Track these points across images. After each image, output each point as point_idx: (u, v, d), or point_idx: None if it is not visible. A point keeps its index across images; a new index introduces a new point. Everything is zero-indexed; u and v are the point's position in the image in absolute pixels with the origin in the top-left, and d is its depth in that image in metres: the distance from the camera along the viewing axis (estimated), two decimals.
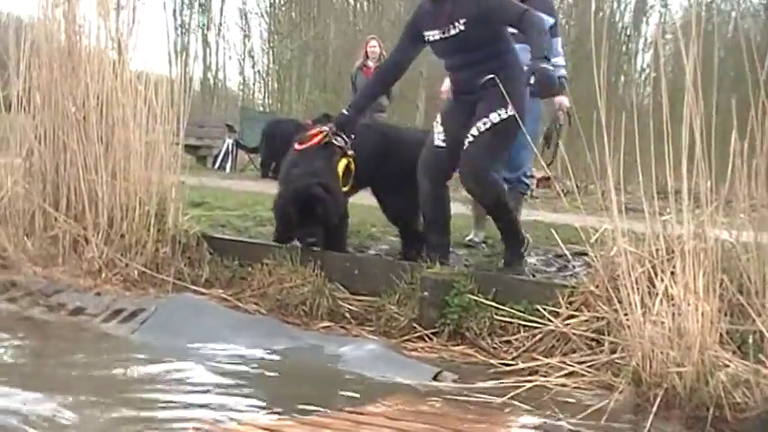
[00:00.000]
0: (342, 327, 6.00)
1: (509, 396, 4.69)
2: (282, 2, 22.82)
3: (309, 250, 6.29)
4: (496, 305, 5.56)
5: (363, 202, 7.71)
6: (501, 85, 5.81)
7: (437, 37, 6.14)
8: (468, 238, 7.06)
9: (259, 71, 22.92)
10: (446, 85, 7.39)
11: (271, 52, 23.07)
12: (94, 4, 7.18)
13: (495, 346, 5.51)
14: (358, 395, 4.67)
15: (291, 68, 21.86)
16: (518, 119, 5.79)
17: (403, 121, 17.25)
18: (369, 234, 6.99)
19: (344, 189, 6.44)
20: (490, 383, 4.92)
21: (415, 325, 5.81)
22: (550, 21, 6.95)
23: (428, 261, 6.03)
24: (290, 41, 22.17)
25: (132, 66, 7.28)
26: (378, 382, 4.93)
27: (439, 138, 6.23)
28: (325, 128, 6.47)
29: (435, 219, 6.33)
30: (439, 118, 6.37)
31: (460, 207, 8.16)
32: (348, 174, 6.47)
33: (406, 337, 5.75)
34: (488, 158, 6.03)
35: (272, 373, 5.07)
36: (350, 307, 6.06)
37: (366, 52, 14.30)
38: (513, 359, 5.29)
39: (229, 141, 17.80)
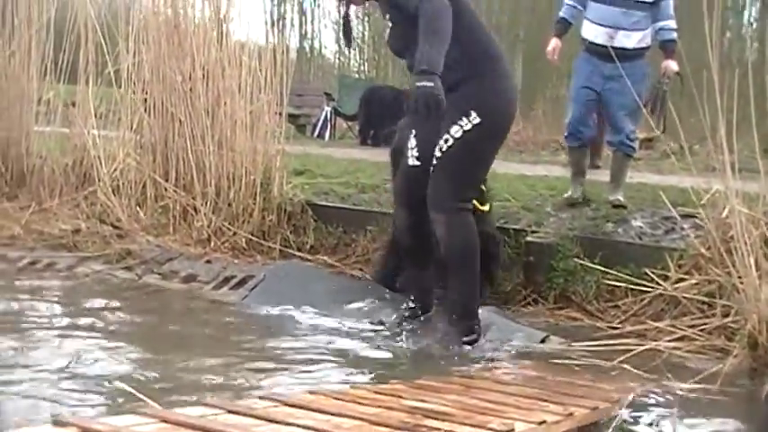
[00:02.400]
0: None
1: (619, 360, 4.64)
2: None
3: None
4: (603, 269, 5.52)
5: None
6: (462, 88, 4.83)
7: (386, 39, 5.36)
8: (566, 195, 6.99)
9: (355, 38, 22.81)
10: (553, 43, 7.29)
11: (366, 19, 22.99)
12: None
13: (602, 310, 5.50)
14: (467, 360, 4.67)
15: (381, 37, 21.77)
16: (490, 125, 4.90)
17: None
18: None
19: None
20: (598, 347, 4.87)
21: (521, 289, 5.82)
22: None
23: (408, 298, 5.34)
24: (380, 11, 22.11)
25: (235, 37, 7.34)
26: (486, 347, 4.91)
27: (413, 155, 5.16)
28: None
29: (414, 250, 5.27)
30: (413, 128, 5.23)
31: (561, 170, 8.10)
32: None
33: (513, 302, 5.75)
34: (455, 186, 4.94)
35: (381, 340, 5.09)
36: None
37: None
38: (620, 323, 5.26)
39: (327, 109, 17.82)
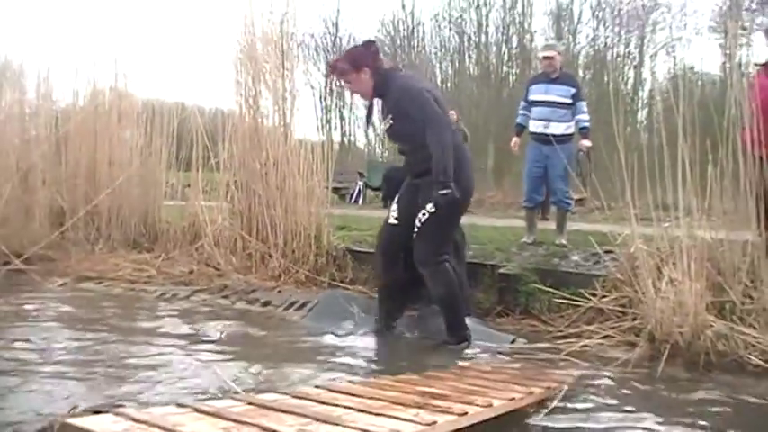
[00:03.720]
0: None
1: (564, 353, 4.65)
2: None
3: None
4: (552, 290, 5.51)
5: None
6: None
7: (384, 127, 5.02)
8: (522, 240, 7.03)
9: (378, 134, 22.92)
10: (514, 140, 7.42)
11: (381, 121, 23.21)
12: (270, 97, 7.33)
13: (552, 319, 5.46)
14: (461, 356, 4.68)
15: None
16: (454, 201, 4.62)
17: (476, 166, 17.05)
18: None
19: None
20: (550, 345, 4.89)
21: (495, 306, 5.81)
22: (572, 90, 6.96)
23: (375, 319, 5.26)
24: None
25: (295, 136, 7.42)
26: (472, 347, 4.91)
27: (393, 216, 4.97)
28: None
29: (386, 285, 5.15)
30: (397, 197, 5.07)
31: (522, 222, 8.11)
32: None
33: (490, 315, 5.74)
34: (434, 246, 4.72)
35: (396, 343, 5.09)
36: None
37: None
38: (565, 328, 5.22)
39: (360, 183, 17.88)
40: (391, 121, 4.79)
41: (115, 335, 4.92)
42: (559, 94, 6.98)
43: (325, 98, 24.76)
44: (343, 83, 5.07)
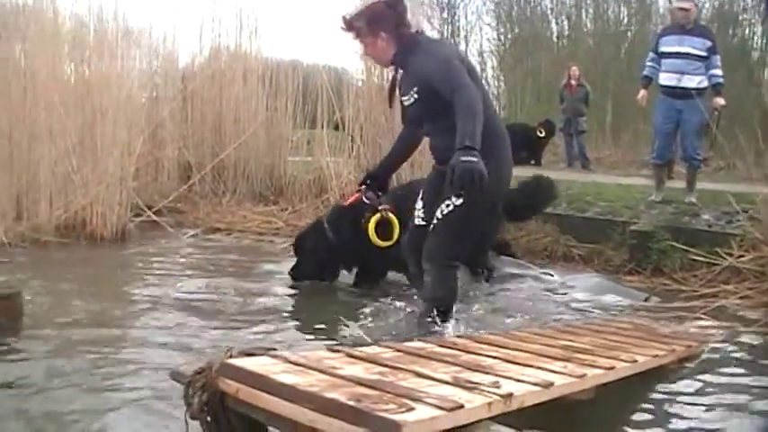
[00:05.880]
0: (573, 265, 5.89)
1: (700, 312, 4.52)
2: (508, 45, 22.50)
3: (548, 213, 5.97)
4: (686, 248, 5.37)
5: (580, 179, 7.54)
6: None
7: (406, 103, 3.94)
8: (650, 198, 6.86)
9: (494, 92, 22.68)
10: (642, 93, 7.18)
11: (501, 77, 22.82)
12: None
13: (685, 278, 5.34)
14: (594, 313, 4.60)
15: (516, 89, 21.55)
16: (486, 200, 3.75)
17: (594, 124, 16.57)
18: (585, 201, 6.81)
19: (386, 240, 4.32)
20: (684, 304, 4.76)
21: (626, 263, 5.71)
22: (708, 43, 6.67)
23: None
24: (514, 71, 21.86)
25: None
26: (604, 303, 4.84)
27: (419, 216, 4.09)
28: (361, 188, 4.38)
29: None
30: (422, 193, 4.18)
31: (644, 180, 7.89)
32: (385, 225, 4.29)
33: (621, 273, 5.64)
34: (448, 246, 3.86)
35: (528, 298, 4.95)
36: (578, 252, 5.96)
37: (569, 74, 13.77)
38: (699, 287, 5.10)
39: None
40: (416, 95, 3.86)
41: (248, 283, 5.07)
42: (694, 45, 6.71)
43: None
44: (359, 43, 4.15)
